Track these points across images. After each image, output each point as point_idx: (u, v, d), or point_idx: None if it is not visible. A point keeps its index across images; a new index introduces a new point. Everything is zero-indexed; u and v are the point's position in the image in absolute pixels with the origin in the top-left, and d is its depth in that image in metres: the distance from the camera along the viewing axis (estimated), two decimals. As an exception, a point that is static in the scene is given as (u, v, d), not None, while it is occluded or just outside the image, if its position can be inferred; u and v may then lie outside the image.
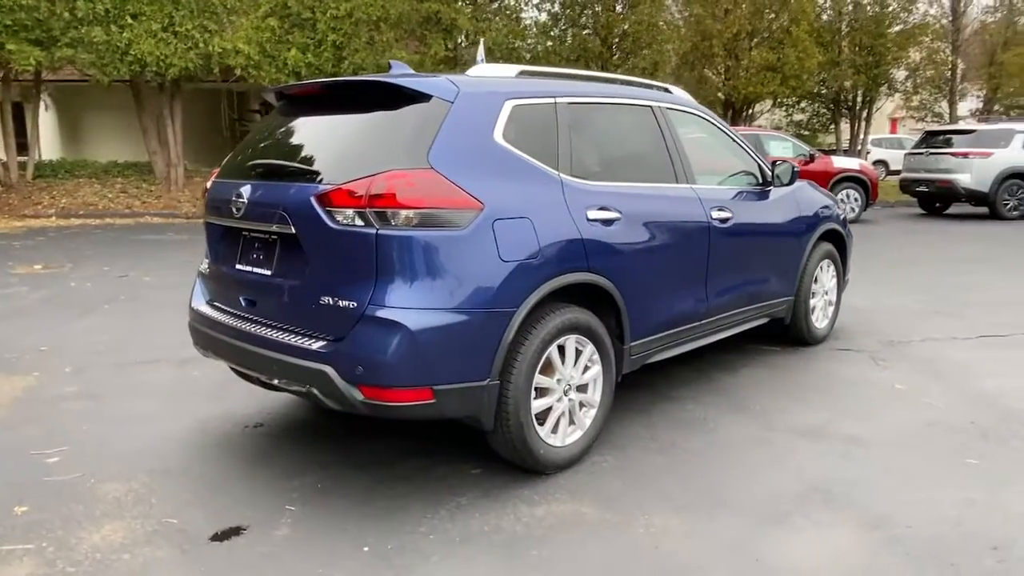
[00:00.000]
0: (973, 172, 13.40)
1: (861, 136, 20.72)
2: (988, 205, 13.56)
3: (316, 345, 2.59)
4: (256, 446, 3.37)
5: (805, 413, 3.70)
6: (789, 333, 4.77)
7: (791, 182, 4.40)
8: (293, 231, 2.65)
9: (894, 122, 29.64)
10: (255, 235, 2.92)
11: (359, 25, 13.59)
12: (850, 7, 18.67)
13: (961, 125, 16.20)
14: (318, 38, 13.63)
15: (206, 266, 3.28)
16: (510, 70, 3.19)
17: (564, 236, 2.90)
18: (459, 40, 14.39)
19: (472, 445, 3.24)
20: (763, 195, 4.28)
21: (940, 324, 5.48)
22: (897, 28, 18.60)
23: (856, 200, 13.30)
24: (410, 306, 2.50)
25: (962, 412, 3.70)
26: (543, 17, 15.73)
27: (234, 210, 2.88)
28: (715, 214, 3.75)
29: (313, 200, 2.59)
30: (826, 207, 4.87)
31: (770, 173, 4.37)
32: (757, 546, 2.50)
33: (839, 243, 5.05)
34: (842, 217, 5.08)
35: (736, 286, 4.02)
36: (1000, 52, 19.72)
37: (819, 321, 4.93)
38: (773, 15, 16.96)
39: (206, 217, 3.23)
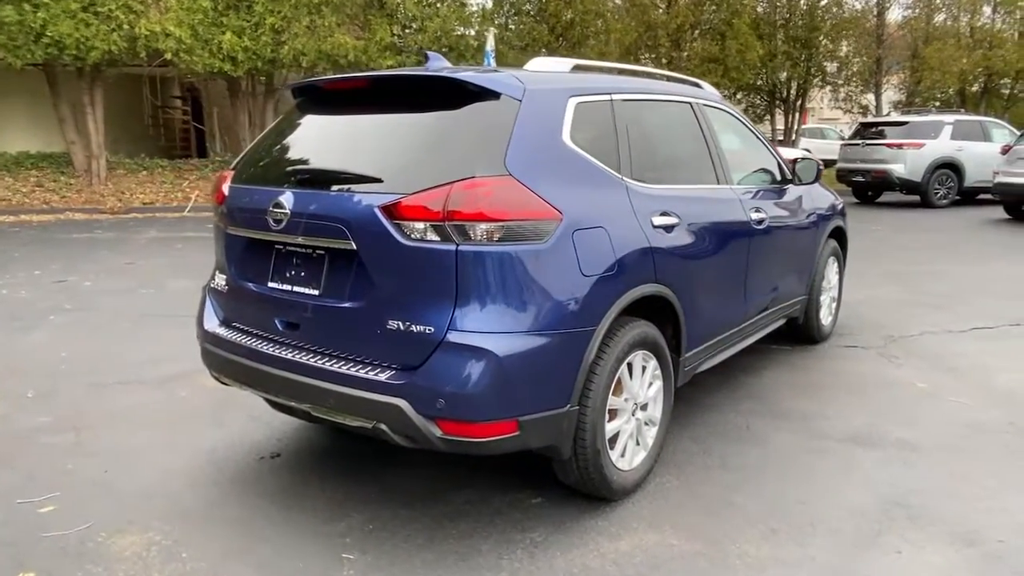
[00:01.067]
0: (907, 162, 13.96)
1: (795, 127, 21.39)
2: (920, 194, 14.16)
3: (384, 376, 2.29)
4: (280, 481, 3.03)
5: (846, 417, 3.63)
6: (801, 332, 4.72)
7: (814, 180, 4.33)
8: (353, 247, 2.34)
9: (804, 112, 30.74)
10: (294, 249, 2.58)
11: (299, 8, 12.91)
12: (785, 1, 19.17)
13: (894, 117, 16.87)
14: (255, 21, 12.88)
15: (222, 282, 2.90)
16: (564, 64, 2.94)
17: (636, 245, 2.69)
18: (405, 26, 13.88)
19: (517, 470, 3.01)
20: (783, 193, 4.18)
21: (928, 316, 5.57)
22: (830, 22, 19.21)
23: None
24: (495, 330, 2.24)
25: (993, 411, 3.70)
26: (489, 4, 15.41)
27: (271, 222, 2.53)
28: (753, 215, 3.62)
29: (379, 212, 2.28)
30: (833, 204, 4.84)
31: (788, 171, 4.28)
32: (862, 573, 2.37)
33: (842, 239, 5.04)
34: (844, 212, 5.06)
35: (768, 288, 3.92)
36: (922, 47, 20.71)
37: (825, 318, 4.91)
38: (715, 7, 17.20)
39: (224, 227, 2.84)
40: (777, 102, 21.16)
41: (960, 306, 5.92)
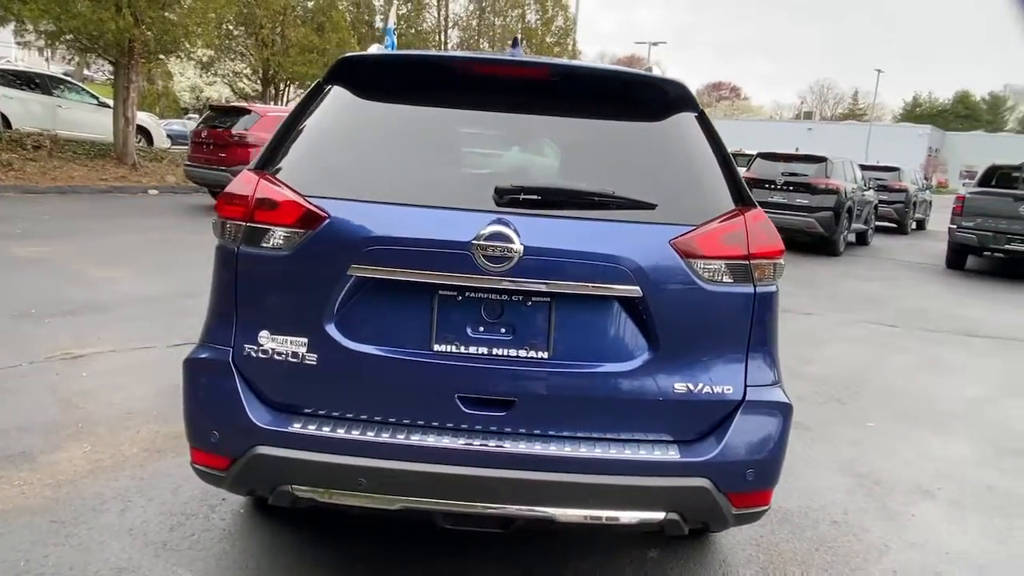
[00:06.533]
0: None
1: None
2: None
3: (672, 453, 1.83)
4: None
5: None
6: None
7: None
8: (637, 293, 1.78)
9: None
10: (482, 297, 1.82)
11: None
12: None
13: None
14: None
15: (289, 348, 1.83)
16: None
17: None
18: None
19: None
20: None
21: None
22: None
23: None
24: (778, 380, 2.00)
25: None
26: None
27: (482, 260, 1.73)
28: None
29: (673, 248, 1.79)
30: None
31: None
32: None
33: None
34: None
35: None
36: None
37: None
38: (311, -1, 16.71)
39: (331, 263, 1.79)
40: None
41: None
